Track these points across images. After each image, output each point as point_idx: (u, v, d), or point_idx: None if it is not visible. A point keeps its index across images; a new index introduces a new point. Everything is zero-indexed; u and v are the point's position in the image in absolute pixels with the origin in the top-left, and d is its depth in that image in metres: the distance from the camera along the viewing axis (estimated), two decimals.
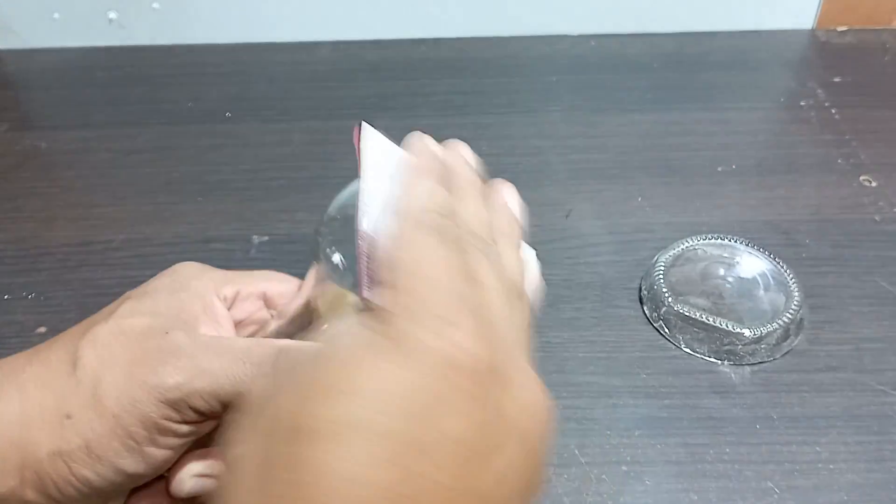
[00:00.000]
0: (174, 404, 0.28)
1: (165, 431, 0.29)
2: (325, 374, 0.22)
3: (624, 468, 0.38)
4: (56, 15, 0.72)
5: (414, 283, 0.23)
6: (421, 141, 0.29)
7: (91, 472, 0.28)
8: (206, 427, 0.30)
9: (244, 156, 0.60)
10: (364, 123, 0.29)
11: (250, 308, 0.36)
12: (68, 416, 0.28)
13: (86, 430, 0.28)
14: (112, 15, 0.72)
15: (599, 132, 0.61)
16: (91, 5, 0.71)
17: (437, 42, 0.73)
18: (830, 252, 0.50)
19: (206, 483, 0.31)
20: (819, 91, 0.65)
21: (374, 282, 0.26)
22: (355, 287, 0.29)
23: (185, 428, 0.29)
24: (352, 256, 0.32)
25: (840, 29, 0.73)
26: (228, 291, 0.35)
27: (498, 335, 0.24)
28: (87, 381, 0.29)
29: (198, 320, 0.32)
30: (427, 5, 0.71)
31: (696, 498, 0.37)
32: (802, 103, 0.64)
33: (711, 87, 0.66)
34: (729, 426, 0.40)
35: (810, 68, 0.69)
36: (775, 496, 0.36)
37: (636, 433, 0.39)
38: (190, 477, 0.30)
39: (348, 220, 0.33)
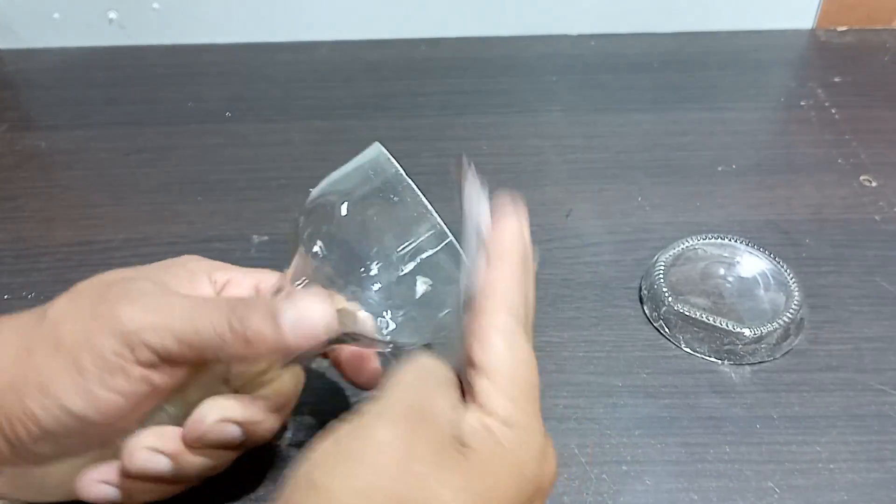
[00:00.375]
0: (127, 338, 0.29)
1: (115, 370, 0.29)
2: (477, 481, 0.25)
3: (624, 468, 0.38)
4: (56, 15, 0.72)
5: (520, 394, 0.26)
6: (513, 220, 0.31)
7: (39, 408, 0.29)
8: (157, 379, 0.30)
9: (244, 156, 0.60)
10: (465, 160, 0.31)
11: (241, 295, 0.36)
12: (27, 349, 0.29)
13: (40, 364, 0.29)
14: (112, 15, 0.72)
15: (599, 132, 0.61)
16: (91, 5, 0.71)
17: (437, 42, 0.73)
18: (830, 252, 0.50)
19: (160, 460, 0.30)
20: (819, 91, 0.65)
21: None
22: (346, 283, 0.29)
23: (136, 371, 0.29)
24: (332, 245, 0.32)
25: (840, 29, 0.73)
26: (220, 277, 0.35)
27: (554, 452, 0.28)
28: (53, 320, 0.30)
29: (180, 289, 0.33)
30: (427, 5, 0.71)
31: (696, 497, 0.37)
32: (802, 103, 0.64)
33: (711, 87, 0.66)
34: (729, 426, 0.40)
35: (810, 68, 0.69)
36: (775, 496, 0.36)
37: (636, 433, 0.39)
38: (142, 448, 0.30)
39: (328, 208, 0.33)
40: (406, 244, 0.32)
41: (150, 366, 0.29)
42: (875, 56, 0.70)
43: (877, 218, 0.52)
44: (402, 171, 0.33)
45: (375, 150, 0.34)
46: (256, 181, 0.57)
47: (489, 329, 0.27)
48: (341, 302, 0.31)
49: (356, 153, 0.61)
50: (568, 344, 0.44)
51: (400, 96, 0.66)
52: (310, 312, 0.29)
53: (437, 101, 0.65)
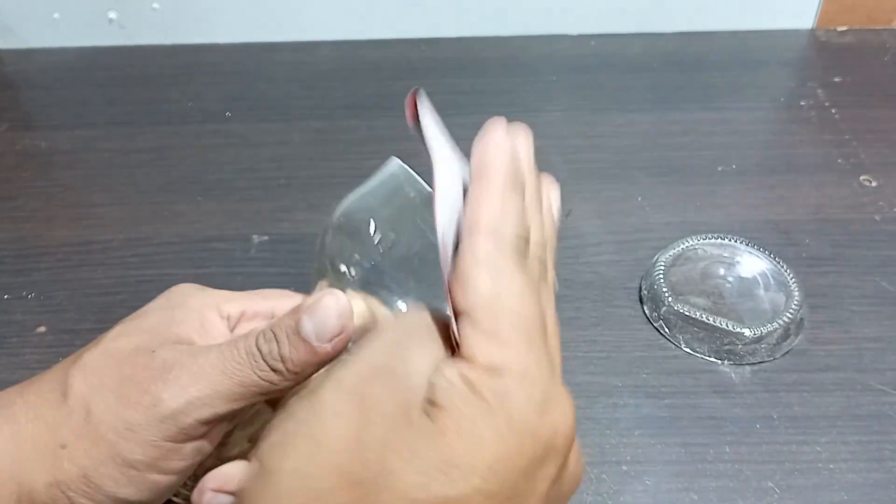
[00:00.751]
0: (174, 420, 0.27)
1: (168, 454, 0.27)
2: (444, 447, 0.21)
3: (624, 468, 0.38)
4: (56, 15, 0.72)
5: (509, 333, 0.22)
6: (498, 132, 0.26)
7: (90, 502, 0.27)
8: (210, 444, 0.29)
9: (244, 156, 0.60)
10: (421, 91, 0.27)
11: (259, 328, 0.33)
12: (63, 446, 0.27)
13: (82, 459, 0.27)
14: (112, 15, 0.72)
15: (599, 132, 0.61)
16: (91, 5, 0.71)
17: (437, 42, 0.73)
18: (830, 252, 0.50)
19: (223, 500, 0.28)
20: (819, 91, 0.65)
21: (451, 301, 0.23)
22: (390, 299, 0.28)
23: (188, 447, 0.28)
24: (360, 266, 0.31)
25: (840, 29, 0.73)
26: (233, 310, 0.32)
27: (569, 401, 0.25)
28: (79, 408, 0.27)
29: (192, 337, 0.30)
30: (427, 5, 0.71)
31: (696, 497, 0.37)
32: (802, 103, 0.64)
33: (711, 87, 0.66)
34: (729, 426, 0.40)
35: (810, 68, 0.69)
36: (775, 496, 0.36)
37: (636, 433, 0.39)
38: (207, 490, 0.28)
39: (357, 229, 0.32)
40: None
41: (202, 435, 0.28)
42: (875, 56, 0.70)
43: (877, 218, 0.52)
44: (425, 186, 0.31)
45: (394, 165, 0.33)
46: (256, 181, 0.57)
47: (468, 262, 0.23)
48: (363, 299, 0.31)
49: (356, 153, 0.61)
50: (568, 344, 0.44)
51: (400, 96, 0.65)
52: (325, 309, 0.27)
53: (437, 101, 0.64)
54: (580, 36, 0.73)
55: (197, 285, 0.33)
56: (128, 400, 0.27)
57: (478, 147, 0.25)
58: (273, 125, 0.63)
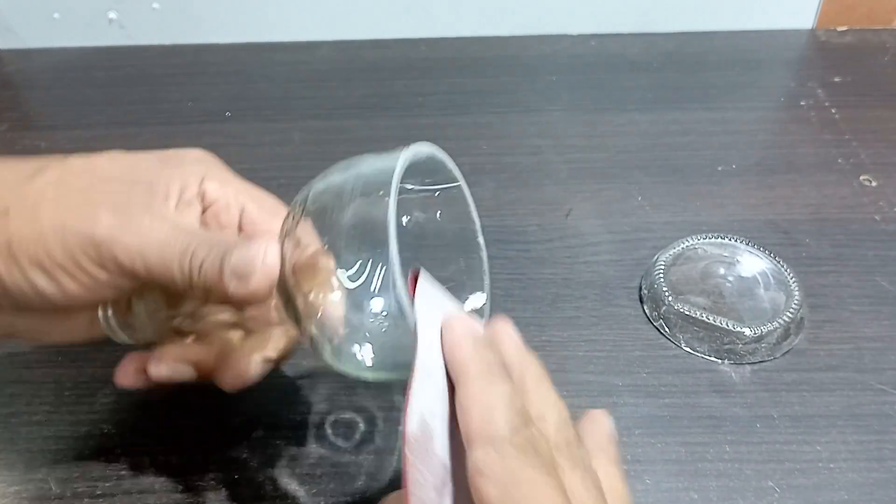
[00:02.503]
0: (97, 248, 0.29)
1: (82, 270, 0.30)
2: None
3: (624, 467, 0.38)
4: (56, 15, 0.72)
5: None
6: (455, 328, 0.26)
7: (4, 270, 0.29)
8: (122, 284, 0.30)
9: (244, 156, 0.60)
10: (421, 271, 0.27)
11: (223, 219, 0.35)
12: (4, 212, 0.30)
13: (12, 229, 0.29)
14: (112, 15, 0.72)
15: (599, 132, 0.61)
16: (91, 5, 0.71)
17: (437, 42, 0.73)
18: (830, 251, 0.50)
19: (184, 370, 0.33)
20: (819, 91, 0.65)
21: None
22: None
23: (103, 275, 0.30)
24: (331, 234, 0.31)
25: (840, 29, 0.73)
26: (211, 190, 0.35)
27: None
28: (36, 191, 0.30)
29: (167, 197, 0.33)
30: (427, 5, 0.71)
31: (696, 497, 0.37)
32: (802, 103, 0.64)
33: (711, 87, 0.66)
34: (729, 425, 0.40)
35: (810, 68, 0.69)
36: (775, 495, 0.36)
37: (636, 432, 0.39)
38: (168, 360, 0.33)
39: (322, 211, 0.32)
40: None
41: (117, 274, 0.30)
42: (875, 56, 0.70)
43: (877, 218, 0.52)
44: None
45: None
46: (256, 181, 0.56)
47: (474, 478, 0.23)
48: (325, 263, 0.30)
49: (356, 153, 0.61)
50: (568, 343, 0.44)
51: (400, 96, 0.66)
52: (252, 254, 0.29)
53: (437, 101, 0.65)
54: (580, 36, 0.73)
55: (199, 152, 0.38)
56: (76, 206, 0.30)
57: (445, 351, 0.25)
58: (273, 125, 0.63)
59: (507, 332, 0.28)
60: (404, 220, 0.36)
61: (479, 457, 0.23)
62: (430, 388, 0.25)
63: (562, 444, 0.25)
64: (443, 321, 0.26)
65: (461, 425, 0.24)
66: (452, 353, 0.25)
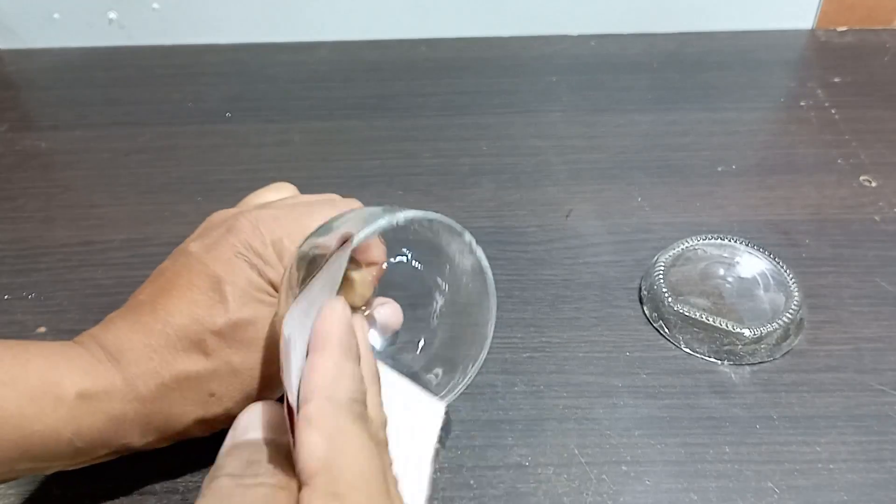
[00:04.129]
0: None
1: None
2: None
3: (624, 468, 0.38)
4: (56, 15, 0.72)
5: (348, 490, 0.23)
6: (336, 308, 0.27)
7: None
8: None
9: (244, 156, 0.60)
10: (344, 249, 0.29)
11: None
12: (211, 395, 0.34)
13: (227, 402, 0.35)
14: (112, 15, 0.72)
15: (599, 132, 0.61)
16: (91, 5, 0.71)
17: (437, 42, 0.73)
18: (830, 252, 0.50)
19: None
20: (819, 91, 0.65)
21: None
22: None
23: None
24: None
25: (840, 29, 0.73)
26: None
27: None
28: (224, 364, 0.34)
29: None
30: (427, 5, 0.71)
31: (695, 498, 0.37)
32: (802, 103, 0.64)
33: (711, 87, 0.66)
34: (729, 426, 0.40)
35: (810, 68, 0.69)
36: (775, 496, 0.36)
37: (636, 433, 0.39)
38: None
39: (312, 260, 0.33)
40: None
41: None
42: (875, 56, 0.70)
43: (877, 218, 0.52)
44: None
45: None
46: (256, 181, 0.56)
47: (302, 428, 0.23)
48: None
49: (356, 153, 0.61)
50: (568, 344, 0.44)
51: (400, 96, 0.66)
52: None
53: (437, 101, 0.65)
54: (580, 36, 0.73)
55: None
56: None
57: (316, 323, 0.26)
58: (273, 125, 0.63)
59: (363, 326, 0.30)
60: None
61: (313, 409, 0.24)
62: (299, 324, 0.27)
63: (380, 428, 0.27)
64: (328, 300, 0.27)
65: (304, 382, 0.25)
66: (324, 324, 0.26)
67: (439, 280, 0.38)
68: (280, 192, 0.42)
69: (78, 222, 0.54)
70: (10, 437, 0.29)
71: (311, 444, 0.23)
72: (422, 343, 0.38)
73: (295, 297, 0.30)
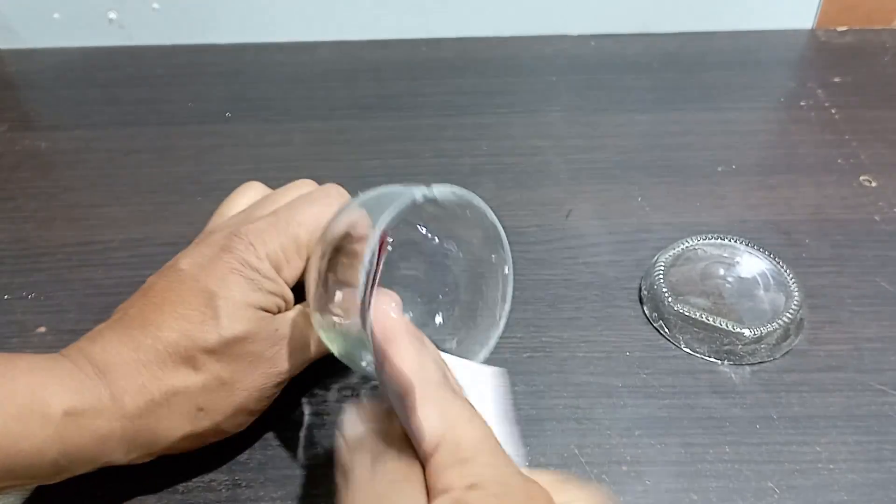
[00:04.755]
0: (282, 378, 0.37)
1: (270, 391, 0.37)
2: None
3: (624, 468, 0.38)
4: (56, 15, 0.72)
5: (473, 453, 0.24)
6: (381, 303, 0.28)
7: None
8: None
9: (244, 156, 0.60)
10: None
11: None
12: (200, 409, 0.34)
13: (215, 416, 0.35)
14: (112, 15, 0.72)
15: (599, 132, 0.61)
16: (91, 5, 0.71)
17: (437, 42, 0.73)
18: (830, 252, 0.50)
19: None
20: (819, 91, 0.65)
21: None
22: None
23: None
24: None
25: (840, 29, 0.73)
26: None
27: (545, 492, 0.26)
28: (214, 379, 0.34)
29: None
30: (427, 5, 0.71)
31: (696, 498, 0.37)
32: (802, 103, 0.64)
33: (711, 87, 0.66)
34: (729, 426, 0.40)
35: (810, 68, 0.69)
36: (775, 496, 0.36)
37: (636, 433, 0.39)
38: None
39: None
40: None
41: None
42: (875, 56, 0.70)
43: (877, 218, 0.52)
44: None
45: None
46: (257, 181, 0.57)
47: (415, 412, 0.25)
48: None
49: (356, 153, 0.61)
50: (568, 344, 0.44)
51: (400, 96, 0.66)
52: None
53: (437, 101, 0.65)
54: (580, 36, 0.73)
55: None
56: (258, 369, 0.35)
57: (373, 321, 0.28)
58: (273, 125, 0.63)
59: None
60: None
61: (418, 393, 0.26)
62: None
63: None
64: (378, 296, 0.29)
65: (395, 385, 0.26)
66: (382, 324, 0.28)
67: (453, 250, 0.38)
68: (248, 192, 0.42)
69: (78, 222, 0.54)
70: None
71: (429, 421, 0.25)
72: (439, 318, 0.38)
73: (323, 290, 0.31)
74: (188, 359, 0.33)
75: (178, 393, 0.33)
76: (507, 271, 0.36)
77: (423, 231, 0.38)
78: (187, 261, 0.36)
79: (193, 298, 0.34)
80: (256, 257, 0.35)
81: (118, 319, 0.35)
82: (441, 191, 0.32)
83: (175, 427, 0.33)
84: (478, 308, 0.37)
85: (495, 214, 0.53)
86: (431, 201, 0.33)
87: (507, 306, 0.36)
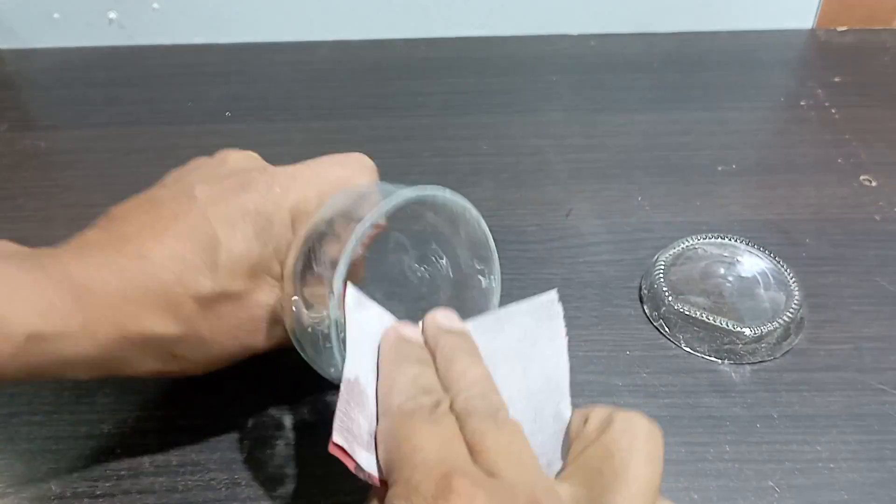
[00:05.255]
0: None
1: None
2: None
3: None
4: (56, 15, 0.72)
5: (405, 486, 0.24)
6: (390, 333, 0.29)
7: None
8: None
9: None
10: (349, 288, 0.30)
11: None
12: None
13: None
14: (112, 15, 0.72)
15: (599, 132, 0.61)
16: (91, 5, 0.71)
17: (437, 42, 0.73)
18: (830, 251, 0.50)
19: None
20: (819, 91, 0.65)
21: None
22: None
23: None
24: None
25: (840, 29, 0.73)
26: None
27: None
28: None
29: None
30: (427, 5, 0.71)
31: (696, 497, 0.36)
32: (802, 103, 0.64)
33: (711, 87, 0.66)
34: (729, 425, 0.40)
35: (810, 68, 0.69)
36: (776, 495, 0.36)
37: None
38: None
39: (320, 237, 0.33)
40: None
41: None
42: (875, 56, 0.70)
43: (877, 218, 0.52)
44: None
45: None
46: None
47: (379, 437, 0.26)
48: None
49: (356, 153, 0.61)
50: (568, 343, 0.44)
51: (400, 96, 0.66)
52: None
53: (437, 101, 0.65)
54: (580, 36, 0.73)
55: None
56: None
57: (349, 324, 0.29)
58: (273, 125, 0.63)
59: (435, 317, 0.31)
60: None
61: (378, 429, 0.26)
62: (366, 365, 0.29)
63: (476, 393, 0.27)
64: (382, 331, 0.30)
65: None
66: (383, 350, 0.29)
67: (443, 257, 0.38)
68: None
69: (78, 222, 0.53)
70: None
71: (380, 461, 0.26)
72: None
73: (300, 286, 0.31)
74: (174, 305, 0.31)
75: (153, 338, 0.31)
76: (494, 284, 0.36)
77: (416, 232, 0.38)
78: (202, 188, 0.33)
79: (197, 239, 0.31)
80: (275, 205, 0.33)
81: (111, 235, 0.32)
82: (438, 194, 0.32)
83: (143, 364, 0.32)
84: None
85: (495, 215, 0.53)
86: (427, 203, 0.33)
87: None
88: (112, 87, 0.69)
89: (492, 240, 0.35)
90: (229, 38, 0.73)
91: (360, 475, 0.26)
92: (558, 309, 0.31)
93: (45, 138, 0.62)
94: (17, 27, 0.72)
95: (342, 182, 0.35)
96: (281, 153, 0.60)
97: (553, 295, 0.32)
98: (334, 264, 0.30)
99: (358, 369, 0.28)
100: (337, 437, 0.26)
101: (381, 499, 0.25)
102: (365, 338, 0.30)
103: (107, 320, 0.30)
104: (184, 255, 0.31)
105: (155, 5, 0.71)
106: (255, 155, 0.39)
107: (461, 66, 0.69)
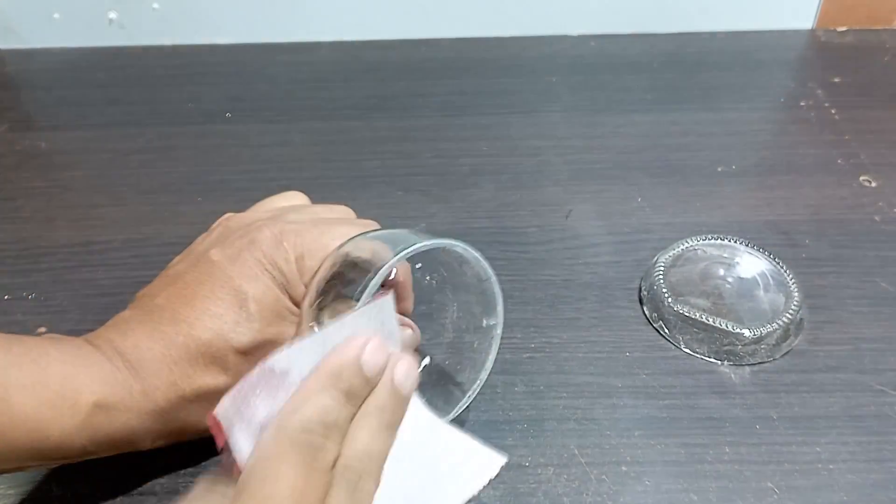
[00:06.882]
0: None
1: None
2: None
3: (624, 468, 0.38)
4: (56, 15, 0.72)
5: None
6: (353, 348, 0.27)
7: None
8: None
9: (244, 156, 0.60)
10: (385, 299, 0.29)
11: None
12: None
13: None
14: (112, 15, 0.72)
15: (599, 132, 0.61)
16: (91, 5, 0.71)
17: (437, 42, 0.73)
18: (830, 252, 0.50)
19: None
20: (819, 91, 0.65)
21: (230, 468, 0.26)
22: None
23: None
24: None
25: (840, 29, 0.73)
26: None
27: None
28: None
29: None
30: (427, 5, 0.71)
31: (695, 498, 0.37)
32: (802, 103, 0.64)
33: (711, 87, 0.66)
34: (729, 426, 0.40)
35: (810, 68, 0.69)
36: (775, 496, 0.36)
37: (636, 433, 0.39)
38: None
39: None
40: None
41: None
42: (875, 56, 0.70)
43: (876, 218, 0.52)
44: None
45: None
46: (256, 181, 0.57)
47: (260, 443, 0.25)
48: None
49: (356, 153, 0.61)
50: (568, 345, 0.44)
51: (400, 96, 0.66)
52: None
53: (437, 101, 0.65)
54: (580, 36, 0.73)
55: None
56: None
57: (330, 356, 0.27)
58: (273, 125, 0.63)
59: (396, 367, 0.29)
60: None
61: (265, 435, 0.25)
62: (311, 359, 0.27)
63: (357, 469, 0.26)
64: (349, 335, 0.28)
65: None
66: (327, 361, 0.27)
67: (450, 298, 0.39)
68: (292, 200, 0.41)
69: (78, 222, 0.54)
70: (26, 440, 0.29)
71: (242, 467, 0.25)
72: (426, 361, 0.39)
73: (316, 325, 0.31)
74: (219, 359, 0.33)
75: (208, 391, 0.33)
76: (497, 331, 0.37)
77: (427, 277, 0.39)
78: (217, 251, 0.35)
79: (227, 296, 0.33)
80: (285, 259, 0.35)
81: (146, 310, 0.34)
82: (450, 244, 0.32)
83: (203, 420, 0.33)
84: (460, 364, 0.38)
85: (495, 215, 0.53)
86: (441, 251, 0.33)
87: (486, 375, 0.37)
88: (112, 87, 0.69)
89: (500, 294, 0.36)
90: (229, 38, 0.73)
91: (224, 457, 0.26)
92: (492, 473, 0.31)
93: (45, 139, 0.62)
94: (17, 27, 0.72)
95: (345, 237, 0.36)
96: (281, 153, 0.60)
97: (501, 461, 0.31)
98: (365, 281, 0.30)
99: (298, 365, 0.27)
100: (219, 412, 0.26)
101: (234, 479, 0.26)
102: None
103: (162, 385, 0.32)
104: (217, 312, 0.33)
105: (155, 5, 0.71)
106: (262, 206, 0.42)
107: (461, 67, 0.69)
